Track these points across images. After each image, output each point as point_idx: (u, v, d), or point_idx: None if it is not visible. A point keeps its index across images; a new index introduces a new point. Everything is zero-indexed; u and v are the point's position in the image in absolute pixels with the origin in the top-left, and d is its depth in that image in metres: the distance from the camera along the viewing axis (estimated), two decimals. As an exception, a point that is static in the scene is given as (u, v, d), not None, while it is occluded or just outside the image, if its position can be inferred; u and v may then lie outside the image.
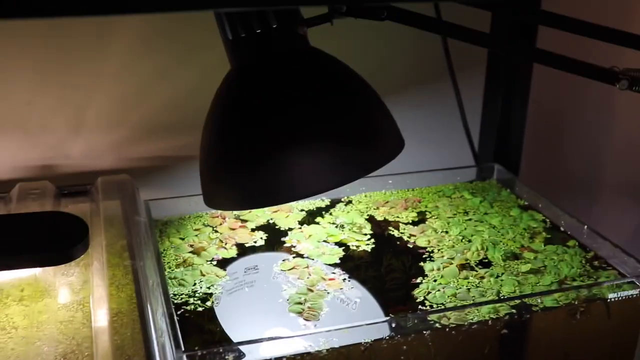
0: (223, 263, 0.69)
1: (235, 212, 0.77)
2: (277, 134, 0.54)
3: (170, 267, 0.67)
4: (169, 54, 0.80)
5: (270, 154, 0.54)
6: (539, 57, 0.78)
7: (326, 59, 0.59)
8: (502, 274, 0.66)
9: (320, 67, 0.58)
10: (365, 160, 0.56)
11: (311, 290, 0.64)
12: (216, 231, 0.74)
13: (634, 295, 0.64)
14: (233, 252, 0.70)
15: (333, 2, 0.57)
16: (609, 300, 0.63)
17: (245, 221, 0.76)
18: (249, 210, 0.77)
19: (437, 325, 0.58)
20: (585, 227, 0.72)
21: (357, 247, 0.72)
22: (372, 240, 0.73)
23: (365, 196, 0.82)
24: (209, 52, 0.76)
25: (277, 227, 0.75)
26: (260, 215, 0.77)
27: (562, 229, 0.75)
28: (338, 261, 0.69)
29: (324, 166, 0.54)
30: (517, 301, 0.61)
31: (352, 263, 0.69)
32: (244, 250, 0.71)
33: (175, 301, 0.62)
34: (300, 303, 0.62)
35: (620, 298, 0.63)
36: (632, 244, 1.26)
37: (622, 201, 1.25)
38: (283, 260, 0.69)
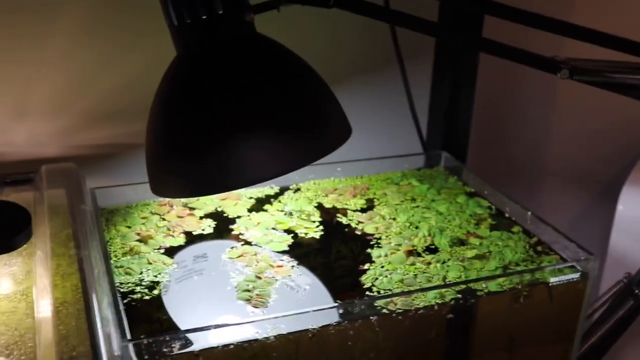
0: (171, 251, 0.68)
1: (183, 200, 0.76)
2: (224, 121, 0.53)
3: (116, 256, 0.66)
4: (113, 40, 0.79)
5: (216, 141, 0.53)
6: (484, 46, 0.80)
7: (273, 46, 0.59)
8: (448, 259, 0.67)
9: (267, 54, 0.58)
10: (312, 147, 0.56)
11: (259, 278, 0.64)
12: (164, 219, 0.73)
13: (575, 279, 0.65)
14: (181, 240, 0.70)
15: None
16: (550, 284, 0.65)
17: (193, 209, 0.75)
18: (196, 198, 0.76)
19: (384, 310, 0.59)
20: (529, 213, 0.74)
21: (306, 234, 0.72)
22: (321, 227, 0.73)
23: (314, 183, 0.82)
24: (154, 39, 0.75)
25: (225, 214, 0.75)
26: (209, 203, 0.76)
27: (507, 215, 0.77)
28: (287, 248, 0.69)
29: (271, 153, 0.54)
30: (463, 286, 0.62)
31: (300, 250, 0.69)
32: (192, 238, 0.71)
33: (122, 290, 0.61)
34: (248, 290, 0.62)
35: (561, 282, 0.65)
36: (575, 228, 1.30)
37: (564, 187, 1.28)
38: (231, 248, 0.69)
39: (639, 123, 1.18)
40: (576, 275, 0.65)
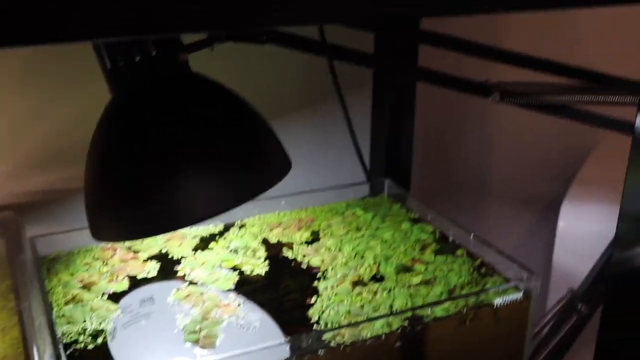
0: (116, 297, 0.67)
1: (126, 243, 0.75)
2: (161, 161, 0.53)
3: (58, 305, 0.64)
4: (46, 87, 0.78)
5: (155, 182, 0.53)
6: (418, 74, 0.82)
7: (208, 84, 0.59)
8: (394, 287, 0.68)
9: (202, 93, 0.58)
10: (252, 183, 0.56)
11: (206, 318, 0.63)
12: (107, 264, 0.72)
13: (519, 299, 0.66)
14: (125, 284, 0.69)
15: (207, 30, 0.57)
16: (495, 305, 0.65)
17: (137, 252, 0.74)
18: (140, 240, 0.75)
19: (332, 343, 0.59)
20: (472, 235, 0.75)
21: (252, 271, 0.71)
22: (267, 263, 0.73)
23: (259, 218, 0.82)
24: (88, 84, 0.75)
25: (170, 255, 0.74)
26: (153, 244, 0.76)
27: (450, 239, 0.78)
28: (233, 286, 0.69)
29: (210, 191, 0.54)
30: (409, 313, 0.62)
31: (248, 287, 0.69)
32: (137, 282, 0.70)
33: (64, 340, 0.60)
34: (195, 332, 0.61)
35: (506, 302, 0.66)
36: (521, 248, 1.32)
37: (508, 208, 1.31)
38: (177, 290, 0.68)
39: (576, 141, 1.21)
40: (519, 295, 0.66)
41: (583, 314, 0.74)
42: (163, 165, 0.53)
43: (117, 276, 0.70)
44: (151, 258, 0.74)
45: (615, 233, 0.60)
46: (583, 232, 0.94)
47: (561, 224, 0.96)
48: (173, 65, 0.57)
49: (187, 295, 0.67)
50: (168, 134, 0.54)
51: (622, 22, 1.07)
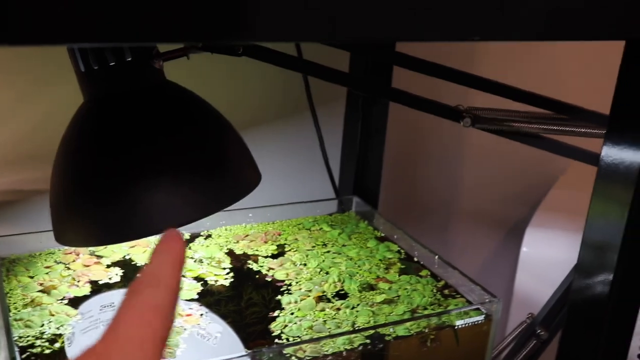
0: (76, 302, 0.66)
1: (89, 248, 0.74)
2: (130, 167, 0.53)
3: (16, 308, 0.63)
4: (14, 87, 0.77)
5: (123, 189, 0.53)
6: (392, 95, 0.82)
7: (182, 92, 0.59)
8: (358, 304, 0.68)
9: (175, 101, 0.58)
10: (221, 194, 0.56)
11: (167, 327, 0.63)
12: (69, 268, 0.71)
13: (480, 321, 0.67)
14: (86, 289, 0.68)
15: (183, 41, 0.57)
16: (456, 327, 0.66)
17: (101, 257, 0.74)
18: (104, 246, 0.75)
19: (293, 358, 0.58)
20: (437, 257, 0.76)
21: (216, 281, 0.71)
22: (231, 274, 0.73)
23: (226, 230, 0.82)
24: (58, 86, 0.74)
25: (134, 262, 0.74)
26: (117, 250, 0.75)
27: (415, 259, 0.78)
28: (196, 296, 0.68)
29: (179, 200, 0.54)
30: (371, 331, 0.62)
31: (211, 298, 0.68)
32: (98, 287, 0.69)
33: (20, 344, 0.59)
34: (155, 341, 0.60)
35: (467, 324, 0.67)
36: (485, 270, 1.34)
37: (474, 230, 1.32)
38: (139, 297, 0.67)
39: (543, 168, 1.23)
40: (481, 318, 0.67)
41: (542, 339, 0.75)
42: (131, 173, 0.53)
43: (79, 281, 0.69)
44: (114, 264, 0.73)
45: (577, 260, 0.62)
46: (545, 258, 0.96)
47: (524, 249, 0.97)
48: (147, 73, 0.57)
49: (149, 304, 0.66)
50: (137, 142, 0.54)
51: (595, 56, 1.10)
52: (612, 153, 0.56)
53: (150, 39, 0.31)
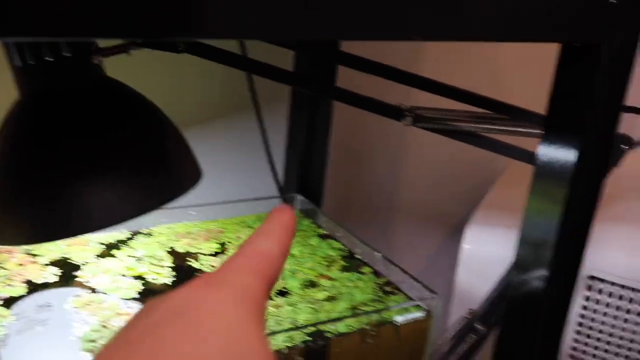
0: (10, 302, 0.64)
1: (25, 247, 0.73)
2: (67, 164, 0.52)
3: (-52, 309, 0.62)
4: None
5: (59, 186, 0.52)
6: (335, 94, 0.83)
7: (121, 89, 0.58)
8: (299, 302, 0.68)
9: (114, 97, 0.57)
10: (160, 191, 0.55)
11: (105, 327, 0.62)
12: (3, 268, 0.69)
13: (420, 318, 0.68)
14: (22, 289, 0.66)
15: (126, 37, 0.56)
16: (397, 323, 0.67)
17: (36, 256, 0.72)
18: (40, 245, 0.73)
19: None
20: (378, 254, 0.76)
21: (156, 280, 0.70)
22: (172, 272, 0.72)
23: (167, 228, 0.81)
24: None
25: (71, 261, 0.72)
26: (54, 249, 0.73)
27: (357, 256, 0.79)
28: (136, 295, 0.67)
29: (117, 197, 0.53)
30: (312, 328, 0.63)
31: (152, 296, 0.67)
32: (34, 287, 0.67)
33: (-48, 345, 0.57)
34: (93, 341, 0.60)
35: (407, 321, 0.67)
36: (428, 268, 1.35)
37: (418, 228, 1.34)
38: (77, 297, 0.66)
39: (484, 167, 1.25)
40: (421, 314, 0.68)
41: (481, 334, 0.77)
42: (68, 170, 0.52)
43: (14, 280, 0.67)
44: (52, 263, 0.71)
45: (514, 257, 0.63)
46: (485, 254, 0.97)
47: (464, 246, 0.99)
48: (86, 69, 0.56)
49: (87, 303, 0.65)
50: (75, 138, 0.53)
51: (536, 57, 1.12)
52: (548, 152, 0.57)
53: (88, 34, 0.31)
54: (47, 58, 0.54)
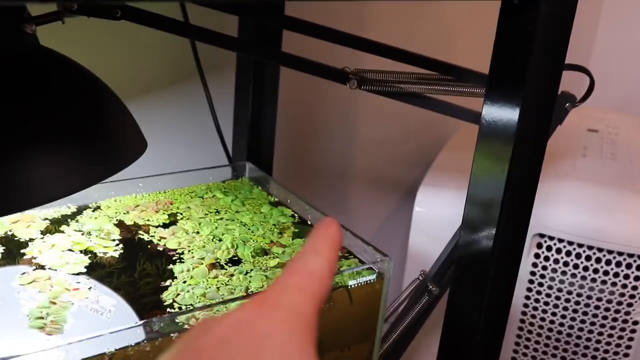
0: (-48, 282, 0.63)
1: (-33, 226, 0.71)
2: (6, 137, 0.50)
3: None
4: None
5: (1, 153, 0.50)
6: (280, 59, 0.82)
7: (56, 59, 0.56)
8: (251, 270, 0.68)
9: (50, 68, 0.55)
10: (101, 164, 0.54)
11: (54, 303, 0.61)
12: (-55, 247, 0.67)
13: (372, 280, 0.68)
14: (-36, 269, 0.65)
15: (58, 1, 0.55)
16: (349, 286, 0.67)
17: (-21, 234, 0.70)
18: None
19: (186, 327, 0.58)
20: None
21: (105, 254, 0.69)
22: (121, 245, 0.71)
23: (115, 201, 0.79)
24: None
25: (16, 238, 0.70)
26: (-2, 227, 0.72)
27: (309, 222, 0.79)
28: (84, 270, 0.66)
29: (60, 170, 0.51)
30: (264, 295, 0.62)
31: (101, 271, 0.66)
32: (-22, 266, 0.66)
33: None
34: (41, 317, 0.59)
35: (360, 284, 0.68)
36: (382, 231, 1.36)
37: (371, 193, 1.34)
38: (23, 274, 0.65)
39: (435, 128, 1.26)
40: (373, 277, 0.68)
41: (433, 294, 0.78)
42: (7, 143, 0.50)
43: (-44, 260, 0.66)
44: (-5, 241, 0.70)
45: (463, 217, 0.64)
46: (436, 216, 0.99)
47: (417, 208, 1.00)
48: (18, 37, 0.54)
49: (34, 280, 0.64)
50: (11, 110, 0.51)
51: (483, 16, 1.13)
52: (492, 112, 0.58)
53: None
54: (-24, 28, 0.52)
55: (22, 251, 0.68)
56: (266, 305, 0.32)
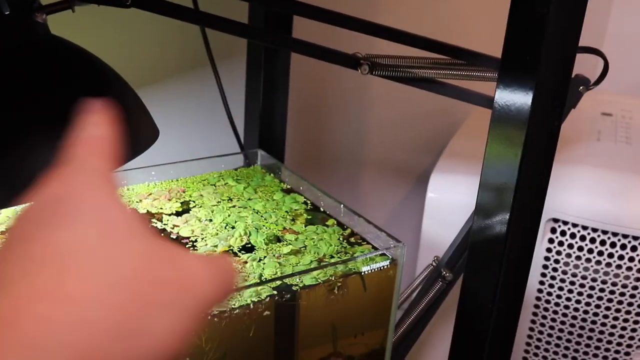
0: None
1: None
2: (17, 125, 0.51)
3: None
4: None
5: (9, 147, 0.50)
6: (291, 45, 0.82)
7: (68, 48, 0.57)
8: (264, 257, 0.68)
9: (61, 57, 0.55)
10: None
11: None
12: (-40, 237, 0.68)
13: (385, 266, 0.68)
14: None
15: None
16: (363, 273, 0.67)
17: (-6, 224, 0.71)
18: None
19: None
20: (342, 206, 0.76)
21: (119, 242, 0.69)
22: (135, 234, 0.71)
23: (128, 189, 0.79)
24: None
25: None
26: (10, 216, 0.72)
27: (322, 209, 0.79)
28: (98, 258, 0.66)
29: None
30: (278, 282, 0.62)
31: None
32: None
33: None
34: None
35: (373, 270, 0.68)
36: (395, 218, 1.36)
37: (383, 179, 1.34)
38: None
39: (447, 114, 1.25)
40: (386, 263, 0.68)
41: (447, 280, 0.77)
42: (15, 132, 0.50)
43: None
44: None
45: (476, 202, 0.63)
46: (450, 202, 0.98)
47: (429, 194, 0.99)
48: (29, 27, 0.54)
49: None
50: (23, 98, 0.51)
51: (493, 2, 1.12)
52: (504, 96, 0.57)
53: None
54: (-13, 17, 0.52)
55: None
56: (64, 175, 0.34)
